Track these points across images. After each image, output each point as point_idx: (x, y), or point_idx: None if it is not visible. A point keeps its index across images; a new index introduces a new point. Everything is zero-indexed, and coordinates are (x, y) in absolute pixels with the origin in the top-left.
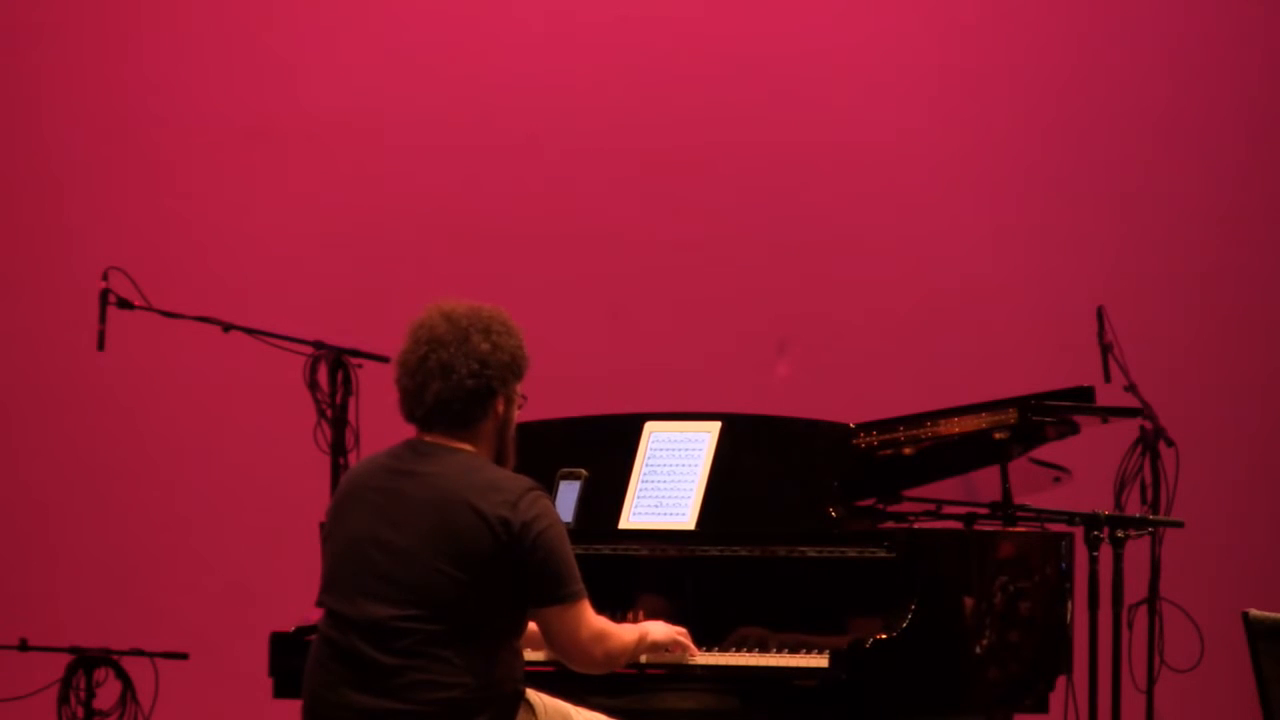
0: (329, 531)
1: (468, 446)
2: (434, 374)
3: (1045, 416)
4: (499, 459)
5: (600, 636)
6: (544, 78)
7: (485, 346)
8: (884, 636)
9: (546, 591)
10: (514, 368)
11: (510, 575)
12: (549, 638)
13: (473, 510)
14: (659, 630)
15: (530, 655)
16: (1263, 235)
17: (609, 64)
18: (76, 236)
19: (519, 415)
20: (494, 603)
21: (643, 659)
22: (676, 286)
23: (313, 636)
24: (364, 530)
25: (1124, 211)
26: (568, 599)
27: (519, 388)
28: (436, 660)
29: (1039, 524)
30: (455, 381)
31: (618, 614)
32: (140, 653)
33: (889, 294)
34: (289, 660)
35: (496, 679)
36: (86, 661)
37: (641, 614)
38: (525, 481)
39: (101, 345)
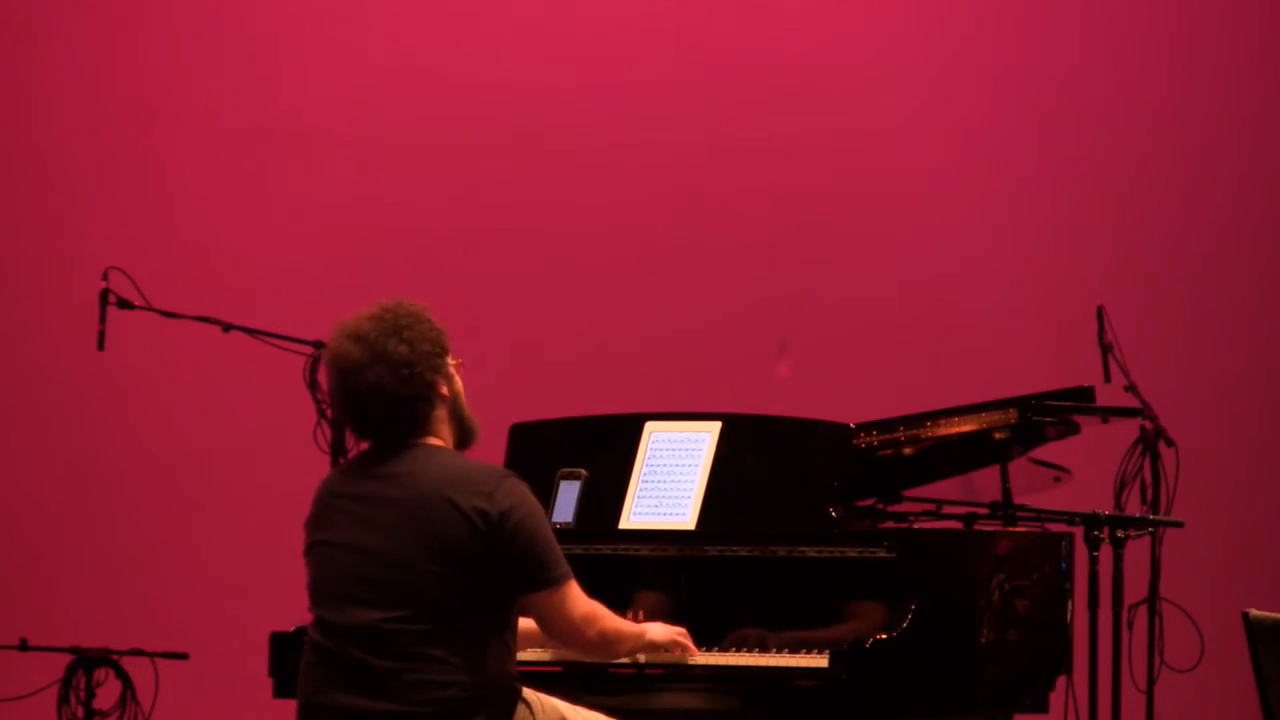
0: (309, 543)
1: (432, 440)
2: (369, 397)
3: (1045, 416)
4: (463, 433)
5: (592, 617)
6: (543, 77)
7: (403, 350)
8: (884, 636)
9: (532, 577)
10: (438, 350)
11: (494, 566)
12: (543, 624)
13: (450, 505)
14: (658, 631)
15: (530, 655)
16: (1262, 235)
17: (608, 63)
18: (76, 236)
19: (524, 407)
20: (480, 597)
21: (641, 659)
22: (677, 286)
23: None
24: (344, 537)
25: (1124, 211)
26: (554, 582)
27: (451, 358)
28: (430, 660)
29: (1039, 524)
30: (390, 395)
31: (617, 614)
32: (140, 653)
33: (889, 294)
34: (289, 660)
35: (491, 676)
36: (86, 661)
37: (641, 614)
38: (498, 470)
39: (101, 345)
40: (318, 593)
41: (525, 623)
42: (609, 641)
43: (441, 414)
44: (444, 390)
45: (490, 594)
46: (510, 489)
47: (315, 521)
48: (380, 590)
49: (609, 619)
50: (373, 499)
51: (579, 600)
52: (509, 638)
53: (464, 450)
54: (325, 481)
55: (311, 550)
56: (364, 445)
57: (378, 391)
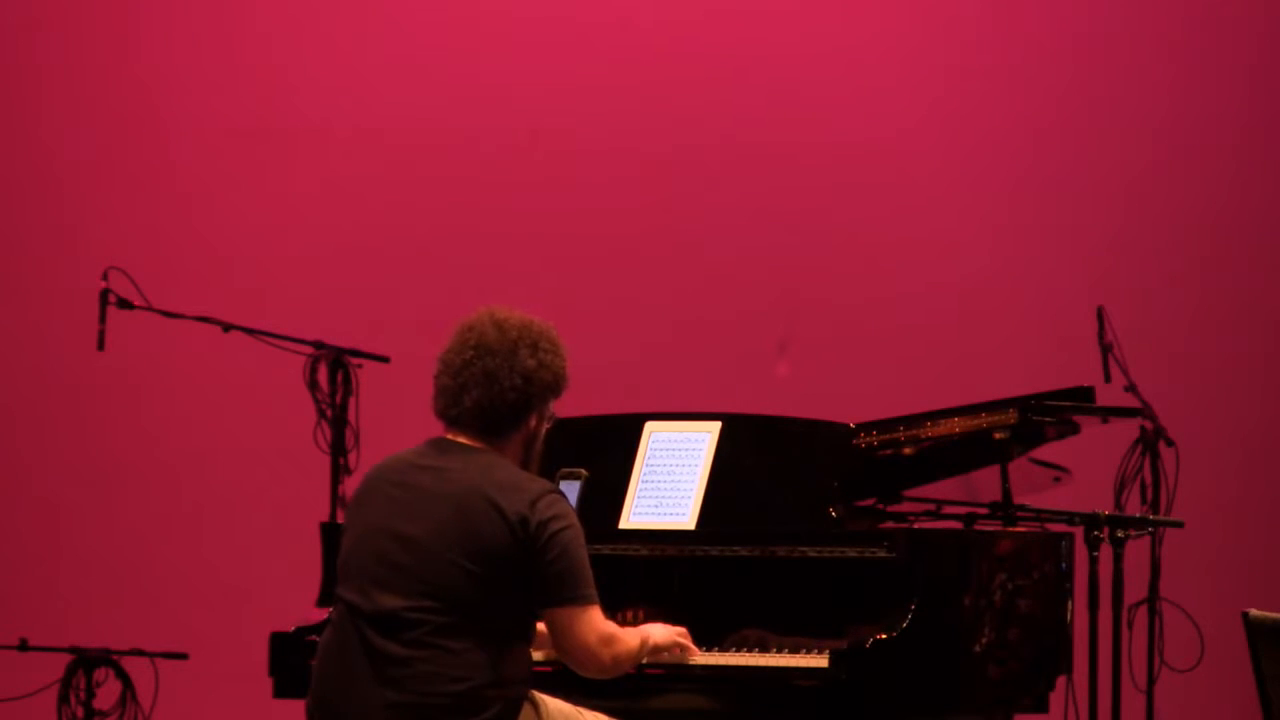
0: (346, 523)
1: (493, 451)
2: (476, 380)
3: (1045, 416)
4: (521, 468)
5: (608, 641)
6: (544, 78)
7: (531, 363)
8: (884, 636)
9: (557, 592)
10: (555, 387)
11: (523, 573)
12: (557, 640)
13: (493, 507)
14: (659, 633)
15: (533, 655)
16: (1262, 235)
17: (610, 65)
18: (76, 236)
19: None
20: (506, 600)
21: (644, 659)
22: (677, 286)
23: (313, 637)
24: (380, 522)
25: (1124, 211)
26: (577, 601)
27: (553, 405)
28: (445, 652)
29: (1039, 524)
30: (496, 392)
31: (617, 614)
32: (140, 653)
33: (889, 294)
34: (289, 660)
35: (504, 676)
36: (86, 661)
37: (641, 614)
38: (546, 484)
39: (101, 345)
40: (345, 573)
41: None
42: (620, 664)
43: (517, 439)
44: (532, 422)
45: (515, 599)
46: (554, 502)
47: (356, 503)
48: (409, 578)
49: (622, 642)
50: (418, 489)
51: (598, 624)
52: (527, 643)
53: None
54: (377, 466)
55: (347, 531)
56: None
57: (486, 382)
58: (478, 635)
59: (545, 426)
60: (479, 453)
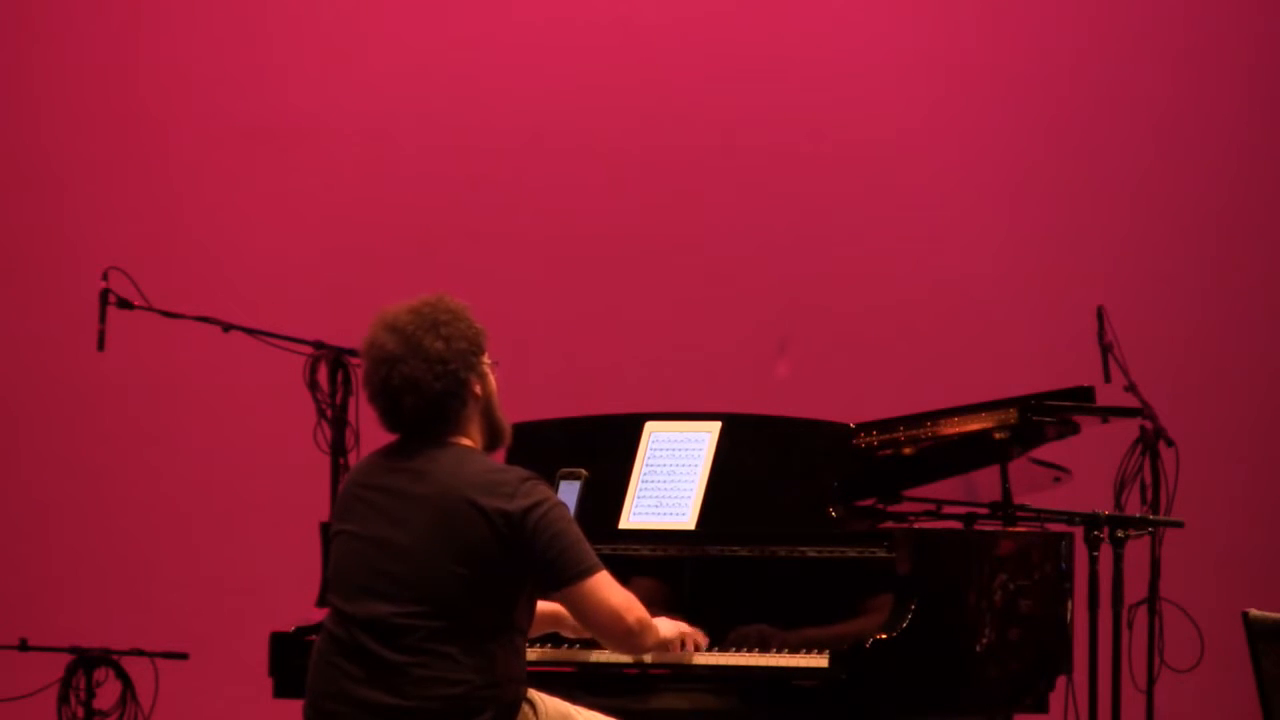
0: (333, 531)
1: (462, 439)
2: (401, 390)
3: (1045, 416)
4: (493, 433)
5: (632, 602)
6: (545, 77)
7: (439, 346)
8: (884, 636)
9: (563, 572)
10: (476, 349)
11: (517, 569)
12: (582, 617)
13: (473, 507)
14: (666, 627)
15: (534, 655)
16: (1263, 235)
17: (610, 64)
18: (76, 236)
19: (524, 407)
20: (498, 599)
21: (647, 658)
22: (677, 286)
23: (313, 637)
24: (367, 529)
25: (1124, 211)
26: (587, 573)
27: (487, 357)
28: (441, 657)
29: (1039, 524)
30: (425, 389)
31: None
32: (140, 653)
33: (889, 294)
34: (289, 660)
35: (500, 678)
36: (86, 661)
37: None
38: (521, 472)
39: (101, 345)
40: (336, 582)
41: (544, 606)
42: (644, 628)
43: (472, 413)
44: (477, 390)
45: (508, 597)
46: (531, 489)
47: (339, 512)
48: (398, 584)
49: (642, 608)
50: (396, 493)
51: (615, 588)
52: (520, 641)
53: (492, 452)
54: (351, 471)
55: (334, 540)
56: (393, 437)
57: (411, 386)
58: (471, 638)
59: (492, 380)
60: (450, 448)
